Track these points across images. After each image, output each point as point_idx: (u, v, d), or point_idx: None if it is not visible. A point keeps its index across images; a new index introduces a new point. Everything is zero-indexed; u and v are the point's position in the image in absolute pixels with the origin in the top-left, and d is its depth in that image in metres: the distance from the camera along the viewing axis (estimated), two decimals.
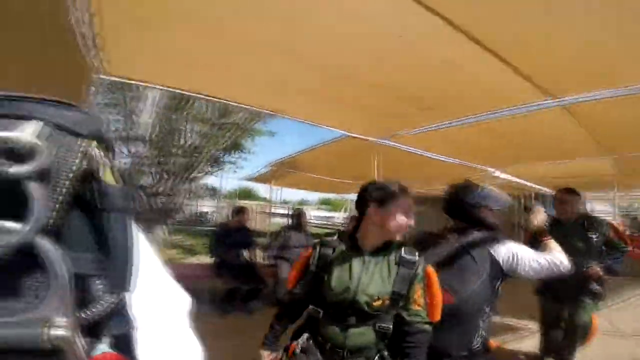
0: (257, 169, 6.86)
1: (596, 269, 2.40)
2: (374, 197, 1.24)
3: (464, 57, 1.71)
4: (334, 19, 1.50)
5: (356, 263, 1.21)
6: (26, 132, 0.22)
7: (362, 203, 1.28)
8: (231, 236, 4.13)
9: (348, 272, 1.20)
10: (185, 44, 1.75)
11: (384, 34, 1.59)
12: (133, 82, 2.41)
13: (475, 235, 1.44)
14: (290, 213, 7.28)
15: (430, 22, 1.42)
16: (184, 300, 0.38)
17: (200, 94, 2.55)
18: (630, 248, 2.47)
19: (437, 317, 1.23)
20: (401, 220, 1.20)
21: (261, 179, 7.35)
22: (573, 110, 2.28)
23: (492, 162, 4.72)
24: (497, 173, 4.83)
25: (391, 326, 1.20)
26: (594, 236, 2.46)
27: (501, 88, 2.03)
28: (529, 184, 5.99)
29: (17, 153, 0.21)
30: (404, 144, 3.87)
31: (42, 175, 0.21)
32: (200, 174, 6.50)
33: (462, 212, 1.53)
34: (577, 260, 1.61)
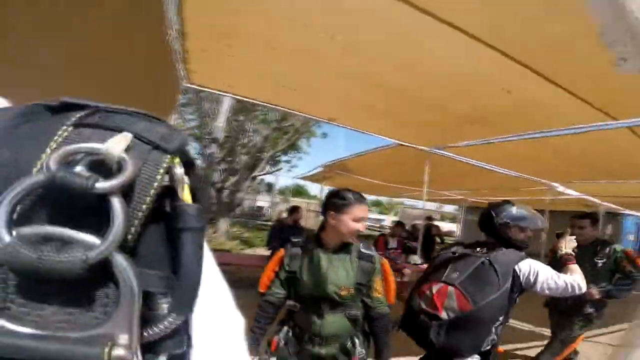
0: (310, 169, 7.25)
1: (593, 291, 2.46)
2: (331, 204, 1.39)
3: (521, 84, 1.80)
4: (400, 48, 1.69)
5: (323, 259, 1.38)
6: (116, 145, 0.21)
7: (324, 208, 1.44)
8: (285, 232, 4.54)
9: (317, 268, 1.37)
10: (259, 59, 2.08)
11: (449, 65, 1.76)
12: (213, 90, 2.87)
13: (503, 251, 1.54)
14: None
15: (487, 54, 1.55)
16: (238, 322, 0.37)
17: (269, 103, 2.94)
18: None
19: (393, 300, 1.46)
20: (352, 226, 1.35)
21: (313, 178, 7.72)
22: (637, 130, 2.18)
23: (555, 178, 4.44)
24: (562, 188, 4.53)
25: (359, 313, 1.39)
26: (600, 261, 2.57)
27: (558, 110, 2.04)
28: (597, 201, 5.47)
29: (104, 166, 0.21)
30: (459, 154, 3.89)
31: (126, 190, 0.21)
32: (260, 172, 7.06)
33: (493, 228, 1.63)
34: None
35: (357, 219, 1.36)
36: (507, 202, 1.68)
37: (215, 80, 2.61)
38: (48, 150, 0.21)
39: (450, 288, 1.50)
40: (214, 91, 2.89)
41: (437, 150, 3.84)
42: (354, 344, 1.38)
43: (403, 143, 3.76)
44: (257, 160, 6.14)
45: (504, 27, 1.42)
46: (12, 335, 0.19)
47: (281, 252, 1.48)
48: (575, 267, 1.54)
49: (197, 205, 0.25)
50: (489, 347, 1.46)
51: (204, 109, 5.31)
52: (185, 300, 0.23)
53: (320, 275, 1.35)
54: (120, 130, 0.23)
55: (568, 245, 1.68)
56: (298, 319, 1.42)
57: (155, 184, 0.22)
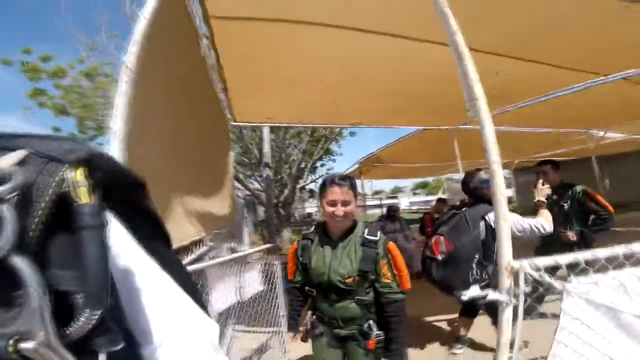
0: (346, 168, 7.71)
1: (569, 234, 2.54)
2: (318, 191, 1.45)
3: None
4: (408, 58, 2.08)
5: (327, 249, 1.41)
6: (5, 160, 0.23)
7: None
8: None
9: (322, 258, 1.40)
10: (289, 92, 2.57)
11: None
12: (256, 124, 3.46)
13: (475, 207, 2.07)
14: (382, 203, 7.80)
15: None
16: (210, 328, 0.38)
17: (303, 123, 3.47)
18: (610, 214, 2.41)
19: (407, 285, 1.41)
20: (326, 210, 1.37)
21: (351, 175, 8.16)
22: None
23: (591, 125, 4.43)
24: (601, 133, 4.48)
25: (368, 297, 1.39)
26: (565, 204, 2.63)
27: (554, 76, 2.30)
28: None
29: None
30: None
31: (22, 198, 0.23)
32: (304, 182, 7.64)
33: (469, 191, 2.16)
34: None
35: (330, 202, 1.36)
36: (478, 169, 2.18)
37: (256, 116, 3.21)
38: None
39: (441, 237, 2.07)
40: (256, 124, 3.50)
41: (461, 127, 4.11)
42: (369, 326, 1.39)
43: (427, 127, 4.10)
44: (300, 172, 6.72)
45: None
46: None
47: (294, 245, 1.56)
48: (544, 212, 1.90)
49: (93, 204, 0.26)
50: (483, 285, 1.82)
51: (244, 139, 6.02)
52: (94, 294, 0.24)
53: (325, 264, 1.38)
54: (14, 149, 0.25)
55: (541, 193, 1.99)
56: (317, 304, 1.48)
57: (50, 190, 0.24)
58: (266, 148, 4.08)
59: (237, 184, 4.90)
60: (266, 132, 4.27)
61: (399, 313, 1.36)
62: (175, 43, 1.39)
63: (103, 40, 5.75)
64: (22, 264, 0.22)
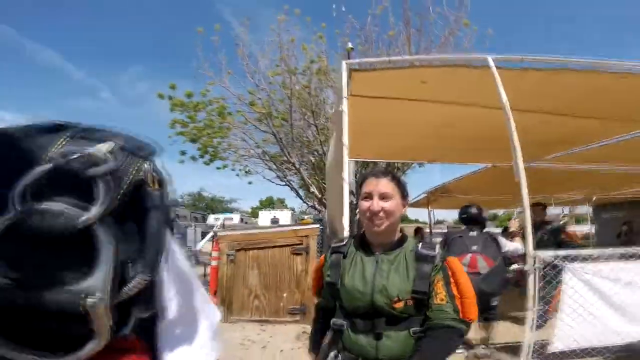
0: (413, 197, 8.38)
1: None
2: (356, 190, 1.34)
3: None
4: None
5: (368, 264, 1.07)
6: (102, 147, 0.30)
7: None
8: None
9: (361, 274, 1.05)
10: (391, 137, 3.62)
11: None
12: (366, 159, 4.57)
13: (485, 231, 2.82)
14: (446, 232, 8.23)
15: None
16: (213, 313, 0.44)
17: (395, 159, 4.51)
18: (576, 243, 3.48)
19: (473, 315, 1.03)
20: (362, 206, 1.07)
21: (418, 203, 8.76)
22: None
23: None
24: None
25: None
26: (544, 236, 3.69)
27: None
28: None
29: (93, 161, 0.29)
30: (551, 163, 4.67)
31: (108, 179, 0.29)
32: None
33: (473, 219, 2.93)
34: None
35: (365, 196, 1.07)
36: (472, 204, 3.07)
37: (367, 153, 4.44)
38: (53, 150, 0.30)
39: (478, 256, 2.68)
40: (366, 160, 4.66)
41: (531, 164, 4.67)
42: None
43: (496, 165, 4.71)
44: None
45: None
46: (19, 287, 0.26)
47: (321, 260, 1.22)
48: (518, 239, 2.70)
49: (160, 190, 0.33)
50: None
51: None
52: (149, 263, 0.30)
53: (366, 283, 1.04)
54: (104, 140, 0.32)
55: (514, 225, 2.95)
56: (346, 341, 1.07)
57: (130, 175, 0.31)
58: (350, 178, 5.09)
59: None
60: (352, 166, 5.31)
61: (449, 342, 1.01)
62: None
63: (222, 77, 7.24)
64: (102, 232, 0.27)
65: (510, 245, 2.76)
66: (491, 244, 2.75)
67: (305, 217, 13.09)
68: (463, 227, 3.01)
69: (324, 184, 6.65)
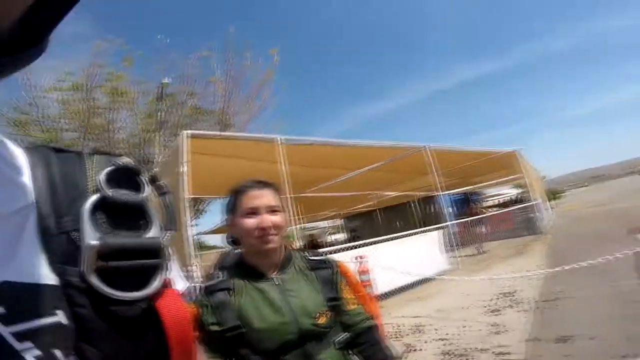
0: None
1: None
2: (226, 209, 0.98)
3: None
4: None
5: (271, 291, 0.90)
6: (142, 179, 0.38)
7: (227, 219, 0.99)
8: None
9: (269, 306, 0.87)
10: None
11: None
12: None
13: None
14: None
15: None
16: (183, 284, 0.47)
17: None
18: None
19: (375, 309, 1.01)
20: (247, 225, 0.89)
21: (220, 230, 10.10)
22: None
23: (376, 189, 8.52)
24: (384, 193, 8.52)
25: (344, 334, 0.93)
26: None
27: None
28: (411, 193, 10.32)
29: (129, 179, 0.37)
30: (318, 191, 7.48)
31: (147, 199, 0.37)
32: None
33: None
34: None
35: (249, 211, 0.90)
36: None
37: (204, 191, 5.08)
38: (90, 174, 0.35)
39: None
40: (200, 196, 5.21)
41: (299, 195, 7.07)
42: None
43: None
44: None
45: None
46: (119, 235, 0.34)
47: (194, 310, 0.86)
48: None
49: (165, 184, 0.42)
50: None
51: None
52: (172, 224, 0.39)
53: (282, 313, 0.86)
54: (116, 155, 0.39)
55: (322, 236, 5.18)
56: None
57: (147, 190, 0.38)
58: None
59: None
60: None
61: (380, 340, 0.95)
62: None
63: None
64: (150, 207, 0.36)
65: None
66: None
67: None
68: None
69: None
